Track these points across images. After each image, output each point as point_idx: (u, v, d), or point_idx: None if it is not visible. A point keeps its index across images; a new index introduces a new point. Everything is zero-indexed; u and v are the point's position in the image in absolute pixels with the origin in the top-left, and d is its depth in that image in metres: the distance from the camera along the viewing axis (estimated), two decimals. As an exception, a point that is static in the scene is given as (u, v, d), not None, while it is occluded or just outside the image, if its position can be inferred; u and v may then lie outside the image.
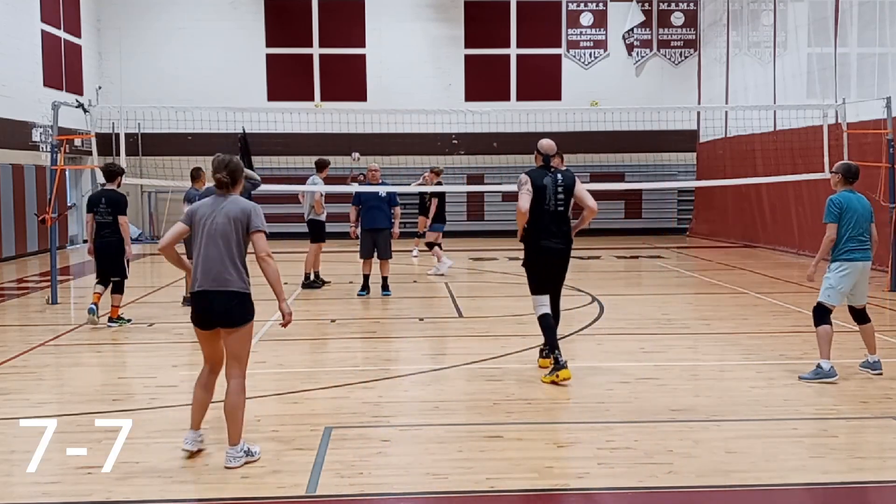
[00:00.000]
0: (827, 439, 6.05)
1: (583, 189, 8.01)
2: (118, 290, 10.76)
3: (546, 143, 8.20)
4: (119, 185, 10.92)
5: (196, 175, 12.37)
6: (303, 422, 6.49)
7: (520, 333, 10.08)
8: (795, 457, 5.68)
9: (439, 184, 17.74)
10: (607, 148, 23.60)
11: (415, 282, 15.51)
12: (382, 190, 13.54)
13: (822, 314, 7.78)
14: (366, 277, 13.46)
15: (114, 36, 26.04)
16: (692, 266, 17.31)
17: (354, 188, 14.95)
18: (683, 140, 25.45)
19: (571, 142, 23.26)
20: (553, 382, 7.51)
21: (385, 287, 13.35)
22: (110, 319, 10.71)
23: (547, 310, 7.85)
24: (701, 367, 8.46)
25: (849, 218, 7.90)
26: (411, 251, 19.61)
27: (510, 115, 24.20)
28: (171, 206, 25.46)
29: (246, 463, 5.52)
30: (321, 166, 14.42)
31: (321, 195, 14.30)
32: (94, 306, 10.66)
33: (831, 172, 8.50)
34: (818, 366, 7.66)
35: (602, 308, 11.82)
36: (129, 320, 10.83)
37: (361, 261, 13.49)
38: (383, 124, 24.03)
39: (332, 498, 5.05)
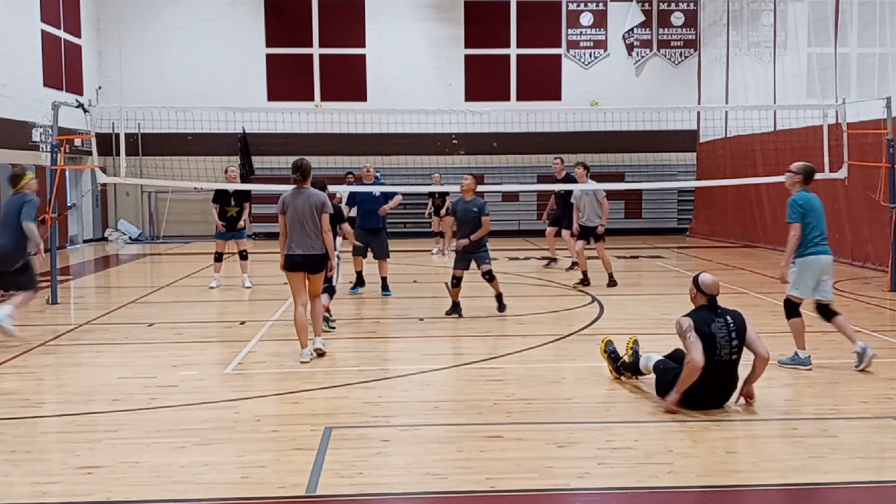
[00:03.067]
0: (827, 439, 6.05)
1: (754, 333, 6.78)
2: None
3: (710, 281, 6.80)
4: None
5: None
6: (303, 422, 6.49)
7: (520, 333, 10.08)
8: (795, 457, 5.68)
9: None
10: (607, 148, 23.58)
11: (415, 282, 15.50)
12: (377, 189, 13.50)
13: (791, 308, 8.23)
14: (358, 274, 13.46)
15: (114, 36, 26.04)
16: (692, 266, 17.30)
17: (346, 188, 14.92)
18: (683, 140, 25.44)
19: (571, 142, 23.35)
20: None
21: (385, 287, 13.32)
22: None
23: None
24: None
25: (812, 217, 8.38)
26: (431, 251, 19.74)
27: (510, 115, 24.21)
28: (171, 206, 25.48)
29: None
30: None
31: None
32: None
33: (790, 172, 8.78)
34: (795, 353, 8.13)
35: (602, 308, 11.81)
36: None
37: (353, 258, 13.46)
38: (383, 124, 24.03)
39: (332, 498, 5.05)
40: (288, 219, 8.71)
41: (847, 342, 8.29)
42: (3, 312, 9.44)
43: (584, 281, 14.05)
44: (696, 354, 6.36)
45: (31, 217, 9.70)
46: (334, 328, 10.46)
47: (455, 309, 11.44)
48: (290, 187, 8.92)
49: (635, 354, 7.48)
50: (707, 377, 6.42)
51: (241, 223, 14.43)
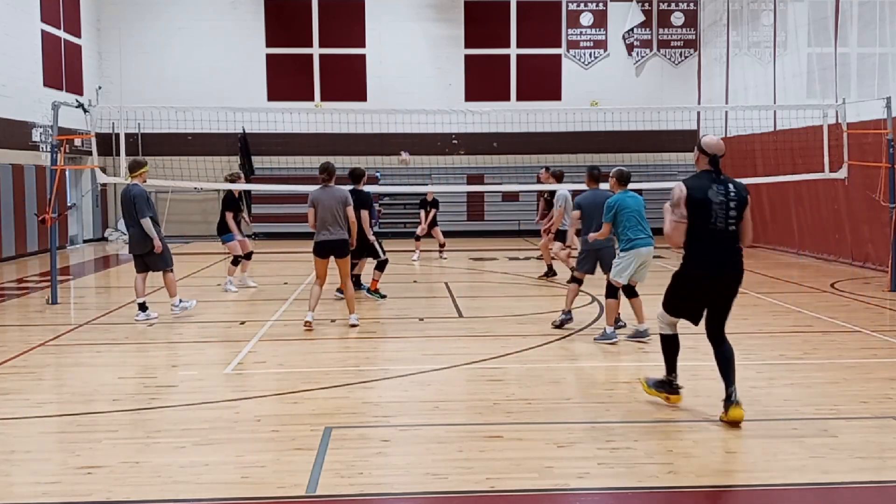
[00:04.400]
0: (827, 439, 6.05)
1: (749, 217, 6.44)
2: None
3: (713, 142, 6.49)
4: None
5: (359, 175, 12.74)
6: (303, 422, 6.49)
7: (520, 333, 10.08)
8: (795, 457, 5.68)
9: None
10: (607, 148, 23.56)
11: (415, 282, 15.51)
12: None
13: (611, 290, 9.54)
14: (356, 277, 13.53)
15: (114, 36, 26.04)
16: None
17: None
18: (683, 140, 25.40)
19: (571, 142, 23.35)
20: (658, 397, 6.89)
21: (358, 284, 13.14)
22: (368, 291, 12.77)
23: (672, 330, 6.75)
24: (701, 367, 8.44)
25: (625, 215, 9.32)
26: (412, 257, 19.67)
27: (510, 115, 24.22)
28: (171, 206, 25.46)
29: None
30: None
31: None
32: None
33: (609, 177, 9.79)
34: (604, 330, 9.51)
35: (602, 308, 11.80)
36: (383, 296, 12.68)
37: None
38: (383, 124, 24.02)
39: (332, 498, 5.05)
40: (319, 212, 10.25)
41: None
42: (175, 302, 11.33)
43: (549, 273, 15.26)
44: (676, 236, 6.29)
45: (143, 213, 10.86)
46: (385, 297, 12.56)
47: (569, 317, 10.38)
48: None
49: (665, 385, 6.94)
50: (705, 245, 6.24)
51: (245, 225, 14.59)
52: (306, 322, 10.30)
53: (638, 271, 9.52)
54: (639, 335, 9.59)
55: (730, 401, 6.32)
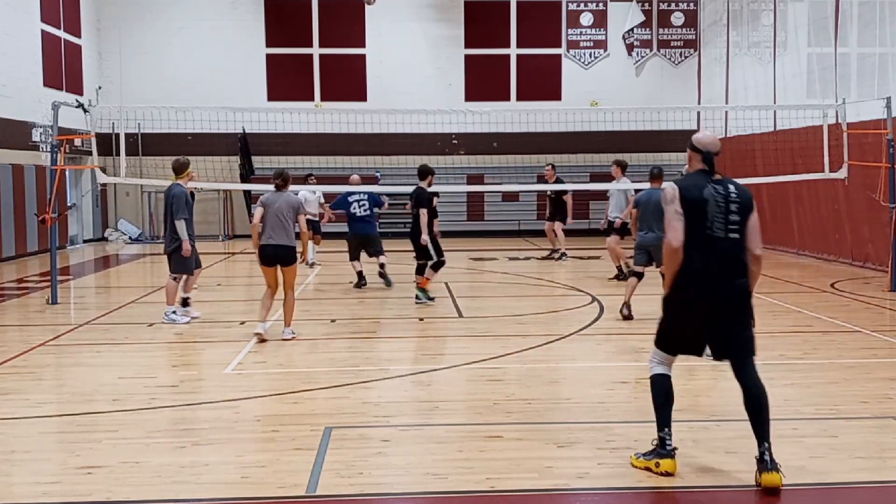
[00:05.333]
0: (827, 439, 6.05)
1: (756, 222, 5.38)
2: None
3: (707, 138, 5.56)
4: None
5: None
6: (303, 422, 6.49)
7: (520, 333, 10.08)
8: (795, 457, 5.68)
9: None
10: (607, 148, 23.55)
11: (415, 282, 15.49)
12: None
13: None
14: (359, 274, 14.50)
15: (114, 36, 26.03)
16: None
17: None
18: (683, 140, 25.01)
19: (571, 142, 23.35)
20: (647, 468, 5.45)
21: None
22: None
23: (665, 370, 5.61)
24: (701, 367, 8.44)
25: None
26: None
27: (510, 115, 24.20)
28: (171, 206, 25.43)
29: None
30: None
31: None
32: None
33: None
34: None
35: (602, 308, 11.81)
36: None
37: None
38: (383, 124, 24.00)
39: (332, 498, 5.05)
40: (267, 215, 9.67)
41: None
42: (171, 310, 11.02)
43: (619, 276, 14.53)
44: (672, 233, 5.18)
45: (179, 213, 10.81)
46: (433, 300, 12.19)
47: (630, 311, 10.79)
48: (277, 186, 9.84)
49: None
50: (701, 258, 5.19)
51: None
52: (256, 334, 9.64)
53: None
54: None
55: (762, 462, 5.12)
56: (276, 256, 9.71)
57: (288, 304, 9.88)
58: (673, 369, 5.65)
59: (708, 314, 5.25)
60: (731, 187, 5.28)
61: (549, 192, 18.11)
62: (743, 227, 5.24)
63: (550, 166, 18.15)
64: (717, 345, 5.38)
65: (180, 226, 10.76)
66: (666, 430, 5.41)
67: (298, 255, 9.87)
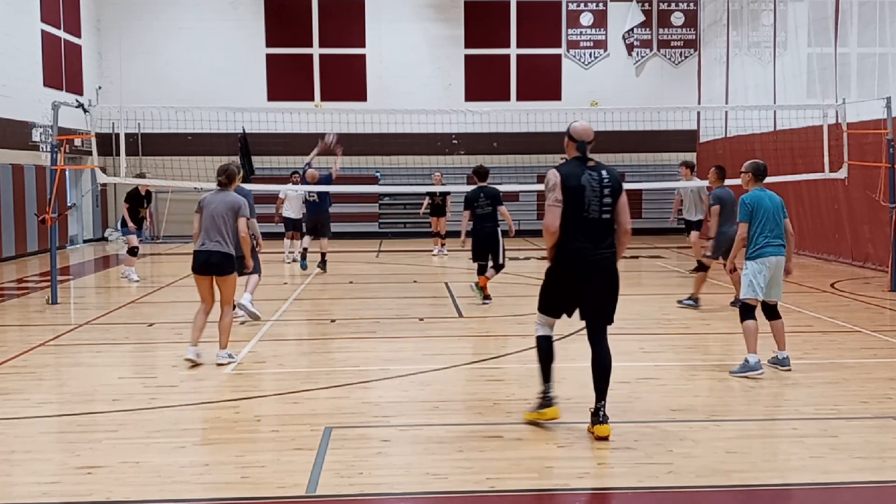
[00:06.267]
0: (827, 439, 6.05)
1: (625, 202, 6.15)
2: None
3: (581, 127, 6.22)
4: None
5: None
6: (303, 422, 6.49)
7: (520, 333, 10.07)
8: (795, 457, 5.68)
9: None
10: (607, 148, 23.48)
11: (415, 282, 15.51)
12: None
13: (746, 310, 7.95)
14: (304, 250, 16.36)
15: (114, 36, 26.04)
16: (692, 266, 17.29)
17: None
18: (683, 140, 25.43)
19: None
20: (537, 420, 6.34)
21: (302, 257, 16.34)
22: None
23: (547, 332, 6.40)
24: (701, 367, 8.46)
25: (760, 216, 7.95)
26: (431, 251, 19.74)
27: (510, 115, 24.19)
28: (171, 206, 25.48)
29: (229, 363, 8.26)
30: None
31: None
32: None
33: (741, 172, 8.42)
34: (745, 360, 7.81)
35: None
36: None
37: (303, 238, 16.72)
38: (383, 124, 24.01)
39: (332, 498, 5.05)
40: (203, 218, 8.42)
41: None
42: (245, 299, 10.59)
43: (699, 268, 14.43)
44: (550, 218, 5.92)
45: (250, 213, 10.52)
46: (489, 299, 12.22)
47: (696, 303, 11.79)
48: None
49: None
50: (577, 236, 5.92)
51: None
52: (187, 359, 8.34)
53: (770, 287, 7.97)
54: (778, 363, 8.04)
55: (596, 416, 6.00)
56: (208, 265, 8.30)
57: (223, 323, 8.45)
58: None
59: (579, 283, 6.03)
60: (604, 173, 6.01)
61: None
62: (614, 207, 6.00)
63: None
64: (584, 309, 6.16)
65: (253, 224, 10.16)
66: (548, 384, 6.31)
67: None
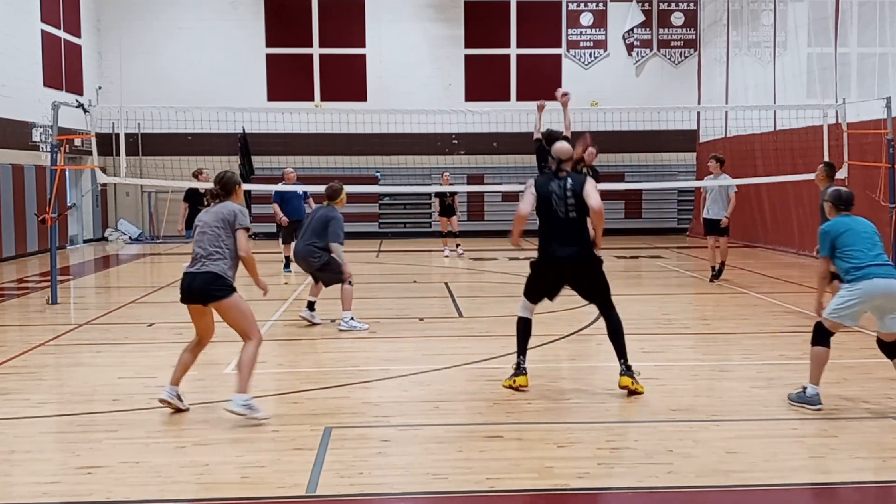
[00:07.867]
0: (827, 439, 6.05)
1: (591, 188, 7.31)
2: None
3: (559, 148, 7.55)
4: None
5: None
6: (303, 422, 6.49)
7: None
8: (795, 457, 5.68)
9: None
10: (607, 148, 23.49)
11: (415, 282, 15.51)
12: (300, 189, 15.66)
13: (820, 333, 6.86)
14: (286, 258, 15.93)
15: (114, 36, 26.04)
16: (692, 266, 17.29)
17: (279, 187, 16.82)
18: (683, 140, 25.43)
19: (571, 142, 23.27)
20: (510, 386, 7.39)
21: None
22: None
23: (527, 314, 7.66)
24: (701, 367, 8.46)
25: (848, 237, 6.81)
26: (443, 252, 19.73)
27: (510, 115, 24.13)
28: (171, 206, 25.47)
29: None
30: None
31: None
32: None
33: (823, 201, 7.42)
34: (803, 388, 6.85)
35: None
36: None
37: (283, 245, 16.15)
38: (383, 124, 24.02)
39: (332, 498, 5.05)
40: (195, 237, 6.75)
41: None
42: (346, 317, 10.55)
43: (716, 275, 14.44)
44: (522, 205, 7.41)
45: (339, 238, 10.44)
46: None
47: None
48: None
49: None
50: (550, 230, 7.32)
51: None
52: (161, 400, 6.72)
53: (883, 316, 6.78)
54: None
55: (623, 370, 7.17)
56: (190, 291, 6.56)
57: (242, 357, 6.56)
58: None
59: (557, 273, 7.35)
60: (569, 182, 7.31)
61: None
62: (579, 207, 7.23)
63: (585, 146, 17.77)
64: (584, 293, 7.46)
65: (338, 249, 10.42)
66: (521, 357, 7.52)
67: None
